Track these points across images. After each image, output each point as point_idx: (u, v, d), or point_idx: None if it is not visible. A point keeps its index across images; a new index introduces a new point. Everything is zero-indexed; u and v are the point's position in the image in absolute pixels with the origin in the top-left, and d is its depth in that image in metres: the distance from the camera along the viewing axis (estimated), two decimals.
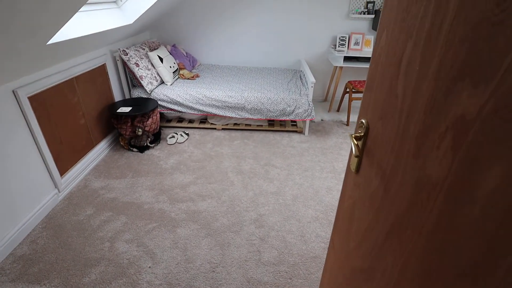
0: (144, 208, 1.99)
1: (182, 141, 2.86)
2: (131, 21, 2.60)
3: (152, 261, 1.60)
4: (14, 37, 1.25)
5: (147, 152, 2.68)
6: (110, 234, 1.77)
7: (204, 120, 3.21)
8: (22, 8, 1.11)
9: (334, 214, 1.97)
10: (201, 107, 2.94)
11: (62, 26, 1.49)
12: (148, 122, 2.58)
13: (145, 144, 2.67)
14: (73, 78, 2.19)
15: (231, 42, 3.70)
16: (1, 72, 1.46)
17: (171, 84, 3.04)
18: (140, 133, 2.58)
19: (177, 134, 2.91)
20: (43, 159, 1.90)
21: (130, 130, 2.56)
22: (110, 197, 2.09)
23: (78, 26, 1.97)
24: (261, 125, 3.14)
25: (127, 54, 2.73)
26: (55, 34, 1.52)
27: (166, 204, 2.02)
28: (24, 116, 1.74)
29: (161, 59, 2.98)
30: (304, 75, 3.34)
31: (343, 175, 2.42)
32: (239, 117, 2.96)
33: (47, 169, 1.95)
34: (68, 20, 1.48)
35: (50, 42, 1.58)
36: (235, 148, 2.77)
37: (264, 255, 1.66)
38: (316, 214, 1.97)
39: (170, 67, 3.08)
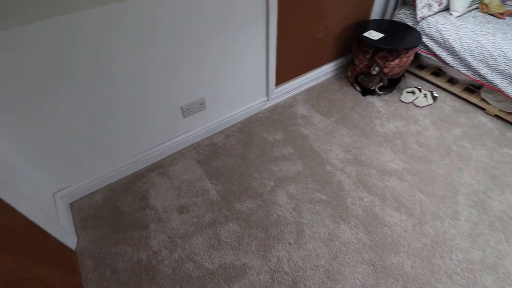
0: (325, 168, 1.62)
1: (422, 105, 2.01)
2: None
3: (296, 239, 1.32)
4: None
5: (369, 97, 2.09)
6: (280, 174, 1.59)
7: (473, 88, 2.06)
8: None
9: None
10: (484, 70, 1.81)
11: None
12: (392, 63, 1.88)
13: (373, 88, 2.06)
14: None
15: None
16: None
17: (458, 16, 1.97)
18: (374, 73, 1.96)
19: (420, 91, 2.05)
20: (267, 62, 1.77)
21: (365, 63, 1.98)
22: (304, 133, 1.83)
23: None
24: None
25: None
26: None
27: (348, 181, 1.55)
28: (267, 8, 1.53)
29: None
30: None
31: None
32: None
33: (266, 74, 1.84)
34: None
35: None
36: (498, 160, 1.66)
37: None
38: None
39: None
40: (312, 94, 2.13)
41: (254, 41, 1.61)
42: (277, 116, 1.96)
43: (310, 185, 1.54)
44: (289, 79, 2.03)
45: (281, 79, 1.96)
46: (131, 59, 1.23)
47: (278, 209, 1.44)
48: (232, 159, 1.68)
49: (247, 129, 1.87)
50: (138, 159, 1.59)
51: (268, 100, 1.99)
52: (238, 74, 1.68)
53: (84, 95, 1.20)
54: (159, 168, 1.65)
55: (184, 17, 1.26)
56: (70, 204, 1.49)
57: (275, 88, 1.98)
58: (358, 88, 2.15)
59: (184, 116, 1.62)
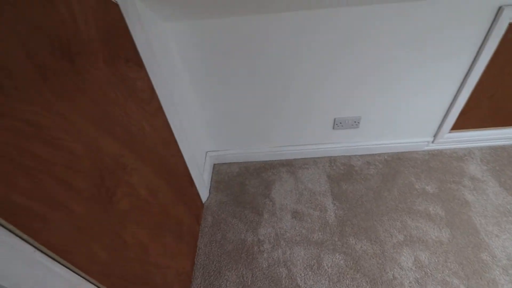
0: (479, 255, 1.24)
1: None
2: None
3: None
4: None
5: None
6: (415, 232, 1.34)
7: None
8: None
9: None
10: None
11: None
12: None
13: None
14: None
15: None
16: None
17: None
18: None
19: None
20: (453, 99, 1.46)
21: None
22: (467, 198, 1.45)
23: None
24: None
25: None
26: None
27: (509, 287, 1.14)
28: (482, 43, 1.24)
29: None
30: None
31: None
32: None
33: (445, 113, 1.53)
34: None
35: None
36: None
37: None
38: None
39: None
40: (499, 156, 1.65)
41: (446, 73, 1.35)
42: (437, 164, 1.63)
43: (450, 264, 1.22)
44: (474, 128, 1.63)
45: (462, 123, 1.60)
46: (316, 61, 1.27)
47: (397, 269, 1.22)
48: (365, 189, 1.53)
49: (394, 165, 1.65)
50: (277, 151, 1.69)
51: (433, 142, 1.68)
52: (408, 103, 1.47)
53: (269, 80, 1.35)
54: (290, 166, 1.70)
55: (380, 34, 1.18)
56: (214, 164, 1.77)
57: (449, 132, 1.64)
58: None
59: (334, 128, 1.58)
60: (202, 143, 1.64)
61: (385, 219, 1.40)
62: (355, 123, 1.55)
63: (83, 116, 0.62)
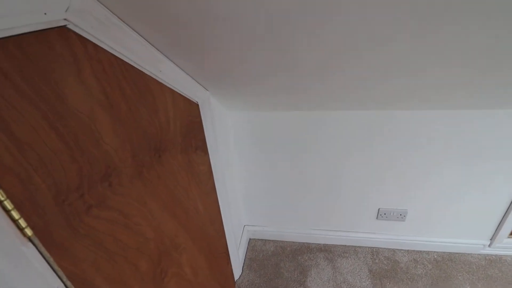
0: None
1: None
2: None
3: None
4: None
5: None
6: None
7: None
8: None
9: None
10: None
11: None
12: None
13: None
14: None
15: None
16: None
17: None
18: None
19: None
20: (510, 205, 1.38)
21: None
22: None
23: None
24: None
25: None
26: None
27: None
28: None
29: None
30: None
31: None
32: None
33: (503, 215, 1.43)
34: None
35: None
36: None
37: None
38: None
39: None
40: None
41: (502, 171, 1.30)
42: (496, 273, 1.45)
43: None
44: None
45: None
46: (364, 158, 1.33)
47: None
48: None
49: (445, 267, 1.50)
50: (316, 234, 1.65)
51: (490, 246, 1.53)
52: (463, 202, 1.41)
53: (306, 165, 1.41)
54: (328, 252, 1.63)
55: (434, 138, 1.23)
56: (249, 239, 1.76)
57: (508, 237, 1.49)
58: None
59: (377, 218, 1.53)
60: (241, 217, 1.67)
61: None
62: (401, 216, 1.50)
63: (157, 201, 0.71)
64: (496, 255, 1.55)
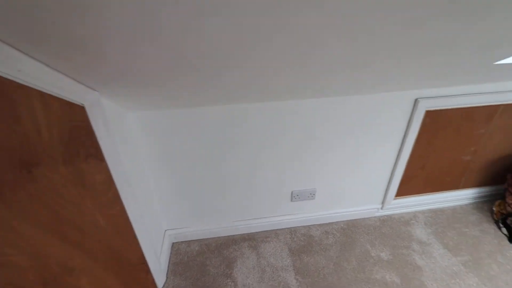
0: None
1: None
2: None
3: None
4: (466, 48, 0.87)
5: None
6: None
7: None
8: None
9: None
10: None
11: None
12: None
13: None
14: (498, 105, 1.53)
15: None
16: (416, 79, 1.21)
17: None
18: None
19: None
20: (392, 170, 1.67)
21: None
22: (418, 263, 1.55)
23: None
24: None
25: None
26: None
27: None
28: (407, 126, 1.49)
29: None
30: None
31: None
32: None
33: (388, 182, 1.72)
34: None
35: (501, 62, 1.03)
36: None
37: None
38: None
39: None
40: (439, 218, 1.83)
41: (384, 151, 1.56)
42: (388, 230, 1.75)
43: None
44: (414, 194, 1.82)
45: (404, 191, 1.79)
46: (268, 143, 1.40)
47: None
48: (325, 260, 1.56)
49: (350, 233, 1.73)
50: (239, 225, 1.69)
51: (382, 208, 1.83)
52: (357, 176, 1.64)
53: (221, 161, 1.42)
54: (252, 240, 1.69)
55: (330, 122, 1.37)
56: (173, 243, 1.69)
57: (394, 199, 1.81)
58: (504, 231, 1.71)
59: (292, 200, 1.65)
60: (161, 222, 1.58)
61: None
62: (311, 195, 1.65)
63: (32, 224, 0.61)
64: (387, 215, 1.86)
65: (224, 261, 1.57)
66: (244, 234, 1.73)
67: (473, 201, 1.95)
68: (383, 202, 1.81)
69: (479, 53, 0.92)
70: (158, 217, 1.54)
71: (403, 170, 1.67)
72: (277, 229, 1.75)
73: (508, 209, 1.69)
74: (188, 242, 1.69)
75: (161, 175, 1.42)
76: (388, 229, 1.76)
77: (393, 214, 1.86)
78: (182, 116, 1.25)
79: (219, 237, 1.72)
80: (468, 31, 0.72)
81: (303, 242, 1.67)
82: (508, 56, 0.98)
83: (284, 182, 1.57)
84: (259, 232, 1.74)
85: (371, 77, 1.05)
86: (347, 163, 1.56)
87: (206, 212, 1.62)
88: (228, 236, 1.72)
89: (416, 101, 1.43)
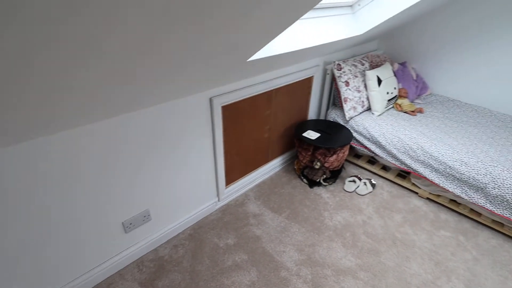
0: (280, 275, 1.55)
1: (363, 194, 2.15)
2: (361, 32, 2.05)
3: None
4: (217, 52, 1.01)
5: (316, 188, 2.20)
6: None
7: (404, 174, 2.31)
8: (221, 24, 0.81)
9: None
10: (408, 161, 2.06)
11: (266, 44, 1.15)
12: (330, 159, 2.06)
13: (318, 180, 2.19)
14: (272, 90, 1.96)
15: (488, 71, 2.39)
16: (203, 82, 1.34)
17: (379, 115, 2.32)
18: (317, 167, 2.11)
19: (360, 180, 2.22)
20: (215, 165, 1.82)
21: (308, 159, 2.14)
22: (256, 234, 1.79)
23: (297, 36, 1.64)
24: (502, 224, 1.86)
25: (341, 69, 2.24)
26: (256, 52, 1.22)
27: (305, 287, 1.48)
28: (212, 123, 1.66)
29: (379, 81, 2.30)
30: None
31: None
32: (466, 197, 1.86)
33: (215, 176, 1.87)
34: (276, 36, 1.12)
35: (251, 59, 1.31)
36: (438, 244, 1.76)
37: None
38: None
39: (387, 93, 2.34)
40: (263, 189, 2.18)
41: (200, 148, 1.67)
42: (229, 217, 1.92)
43: None
44: (240, 177, 2.08)
45: (231, 178, 2.00)
46: (61, 181, 1.17)
47: None
48: (180, 275, 1.53)
49: (197, 235, 1.78)
50: (74, 285, 1.37)
51: (219, 200, 1.98)
52: (186, 180, 1.68)
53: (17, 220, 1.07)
54: None
55: (141, 136, 1.29)
56: None
57: (226, 188, 1.99)
58: (305, 180, 2.26)
59: (126, 232, 1.50)
60: None
61: None
62: (146, 217, 1.55)
63: None
64: (225, 204, 2.03)
65: None
66: None
67: (281, 166, 2.45)
68: (218, 195, 1.96)
69: (230, 54, 1.11)
70: None
71: (223, 161, 1.86)
72: (120, 270, 1.55)
73: (302, 164, 2.24)
74: None
75: None
76: (229, 216, 1.93)
77: (229, 202, 2.06)
78: None
79: None
80: (211, 38, 0.84)
81: (153, 269, 1.56)
82: (252, 55, 1.25)
83: (108, 216, 1.39)
84: (100, 282, 1.49)
85: (158, 91, 1.06)
86: (170, 172, 1.57)
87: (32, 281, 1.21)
88: None
89: (211, 100, 1.59)
